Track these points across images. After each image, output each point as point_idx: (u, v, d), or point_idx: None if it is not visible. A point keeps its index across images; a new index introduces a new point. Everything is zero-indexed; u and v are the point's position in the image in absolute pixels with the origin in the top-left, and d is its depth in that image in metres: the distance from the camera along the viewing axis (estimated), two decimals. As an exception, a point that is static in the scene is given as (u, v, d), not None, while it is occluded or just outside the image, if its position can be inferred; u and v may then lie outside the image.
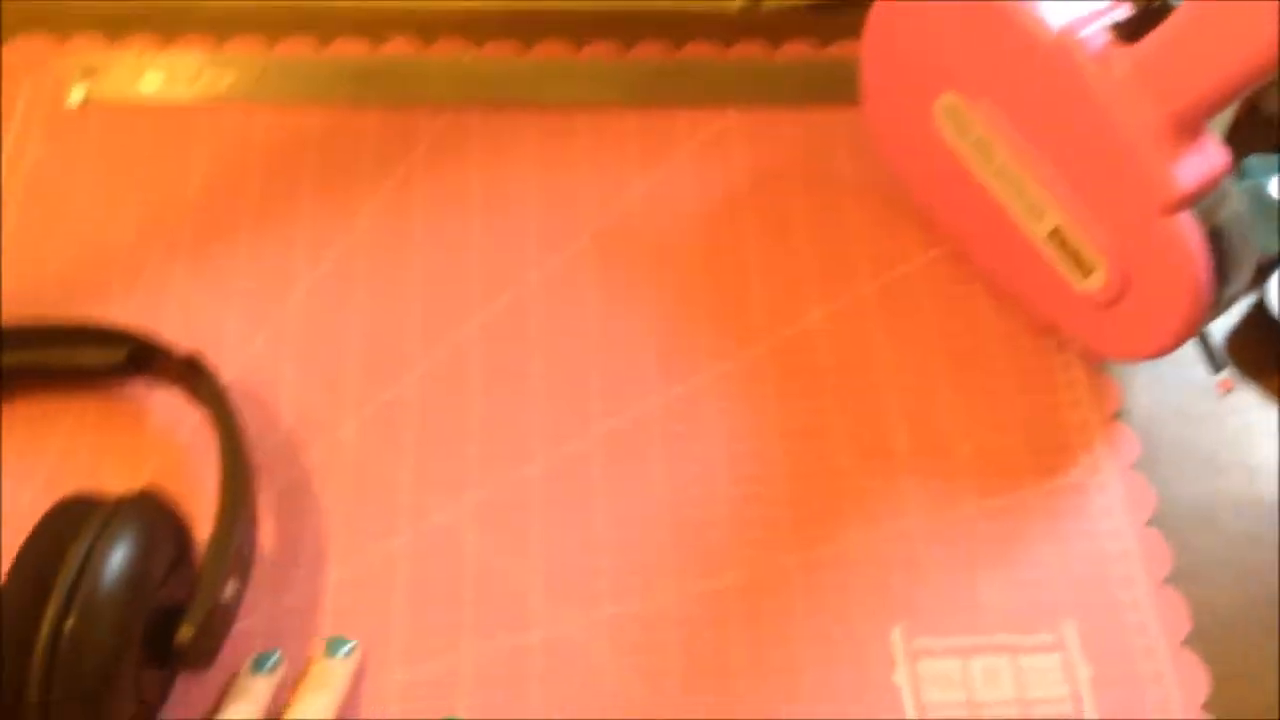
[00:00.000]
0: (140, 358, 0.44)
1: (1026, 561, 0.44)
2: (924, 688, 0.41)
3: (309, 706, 0.38)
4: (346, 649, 0.40)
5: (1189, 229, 0.41)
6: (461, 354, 0.47)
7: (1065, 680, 0.42)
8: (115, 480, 0.43)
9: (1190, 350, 0.49)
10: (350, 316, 0.48)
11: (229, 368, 0.46)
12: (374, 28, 0.56)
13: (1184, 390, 0.49)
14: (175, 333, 0.46)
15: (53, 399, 0.45)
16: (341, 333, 0.47)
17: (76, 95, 0.53)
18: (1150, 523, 0.45)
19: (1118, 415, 0.48)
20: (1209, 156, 0.40)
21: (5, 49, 0.54)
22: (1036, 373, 0.48)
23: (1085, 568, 0.44)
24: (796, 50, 0.57)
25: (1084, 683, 0.42)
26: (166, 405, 0.45)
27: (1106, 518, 0.45)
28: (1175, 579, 0.44)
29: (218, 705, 0.38)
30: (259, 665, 0.39)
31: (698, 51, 0.57)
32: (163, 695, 0.38)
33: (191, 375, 0.42)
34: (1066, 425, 0.47)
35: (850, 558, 0.44)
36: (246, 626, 0.41)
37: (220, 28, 0.55)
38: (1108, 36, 0.41)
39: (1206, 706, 0.41)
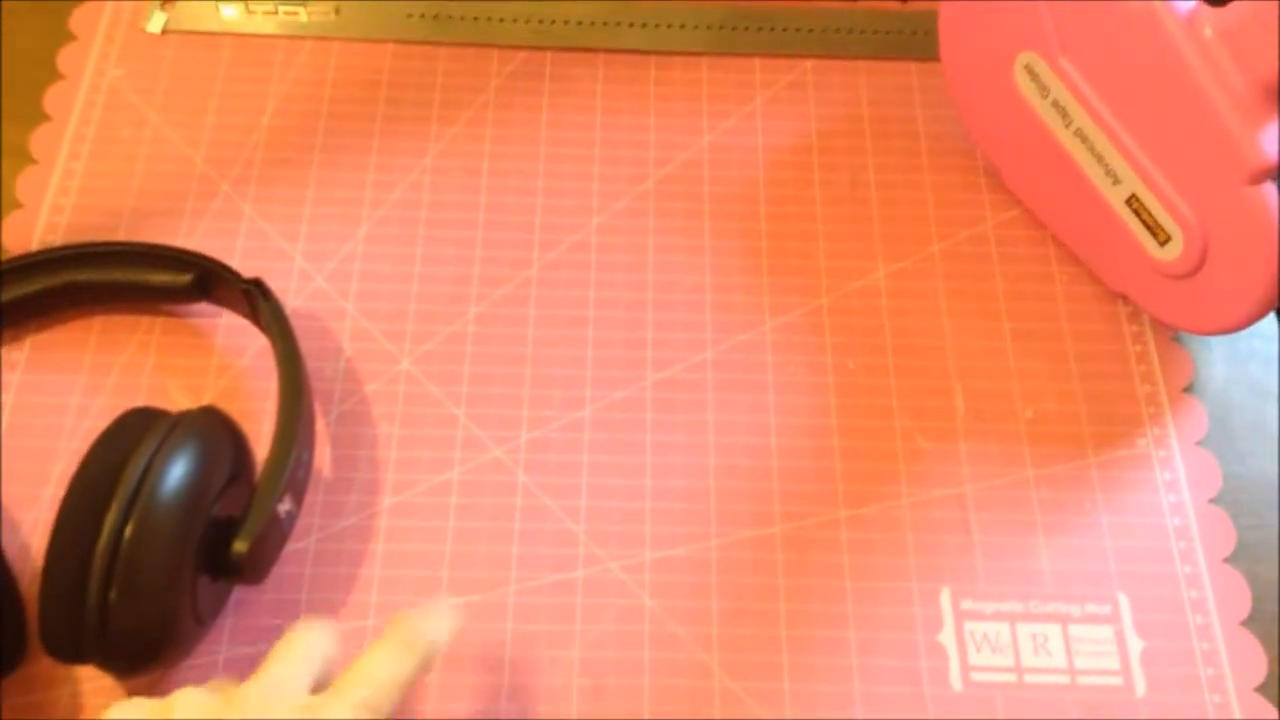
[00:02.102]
0: (207, 281, 0.44)
1: (1083, 531, 0.43)
2: (970, 650, 0.41)
3: (383, 660, 0.34)
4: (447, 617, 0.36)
5: (1273, 200, 0.39)
6: (521, 295, 0.47)
7: (1116, 653, 0.41)
8: (180, 397, 0.44)
9: (1267, 325, 0.47)
10: (413, 254, 0.48)
11: (294, 297, 0.47)
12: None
13: (1259, 366, 0.47)
14: (243, 260, 0.47)
15: (123, 316, 0.46)
16: (404, 269, 0.48)
17: (156, 23, 0.53)
18: (1214, 500, 0.44)
19: (1188, 389, 0.46)
20: (1297, 128, 0.39)
21: (90, -26, 0.55)
22: (1105, 342, 0.47)
23: (1144, 541, 0.43)
24: (876, 3, 0.56)
25: (1135, 656, 0.41)
26: (231, 329, 0.46)
27: (1169, 492, 0.44)
28: (1237, 559, 0.43)
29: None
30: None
31: (776, 1, 0.56)
32: (216, 607, 0.39)
33: (255, 301, 0.43)
34: (1133, 396, 0.46)
35: (901, 516, 0.43)
36: (300, 548, 0.41)
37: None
38: (1196, -1, 0.40)
39: (1261, 690, 0.40)
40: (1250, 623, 0.42)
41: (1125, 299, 0.48)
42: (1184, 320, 0.46)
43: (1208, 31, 0.39)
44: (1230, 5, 0.39)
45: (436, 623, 0.35)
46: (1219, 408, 0.46)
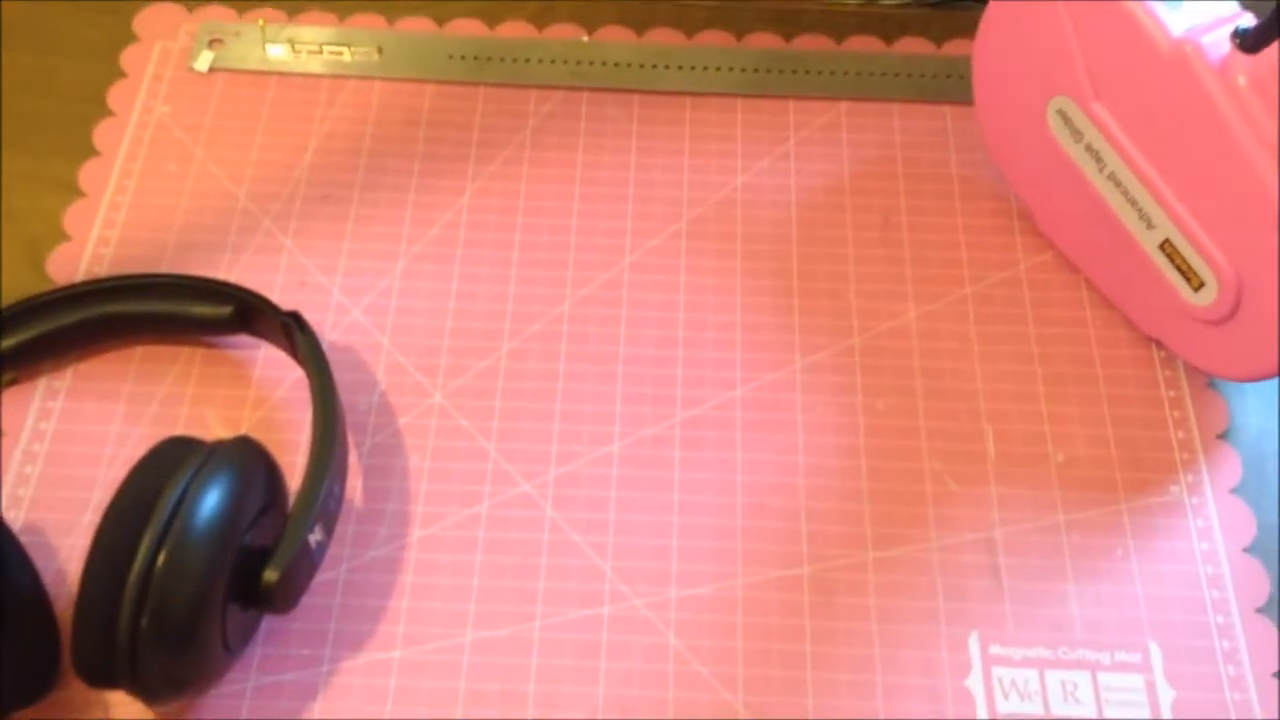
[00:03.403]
0: (246, 314, 0.45)
1: (1114, 577, 0.43)
2: (998, 696, 0.40)
3: None
4: None
5: (1308, 246, 0.39)
6: (553, 331, 0.48)
7: (1147, 702, 0.40)
8: (217, 427, 0.45)
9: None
10: (448, 289, 0.49)
11: (331, 330, 0.47)
12: (491, 10, 0.57)
13: (1295, 414, 0.47)
14: (282, 294, 0.48)
15: (164, 347, 0.47)
16: (438, 305, 0.48)
17: (203, 61, 0.55)
18: (1248, 549, 0.43)
19: (1222, 435, 0.46)
20: (1332, 174, 0.39)
21: (137, 17, 0.56)
22: (1139, 386, 0.47)
23: (1176, 589, 0.42)
24: (910, 46, 0.56)
25: (1166, 707, 0.40)
26: (269, 361, 0.46)
27: (1202, 540, 0.44)
28: (1270, 608, 0.42)
29: None
30: None
31: (810, 44, 0.56)
32: (246, 636, 0.39)
33: (292, 334, 0.44)
34: (1167, 442, 0.46)
35: (930, 560, 0.43)
36: (330, 578, 0.42)
37: (343, 4, 0.57)
38: (1229, 46, 0.40)
39: (1295, 742, 0.40)
40: (1284, 674, 0.41)
41: (1159, 344, 0.48)
42: (1218, 366, 0.45)
43: (1241, 79, 0.39)
44: (1263, 53, 0.39)
45: None
46: (1254, 455, 0.46)
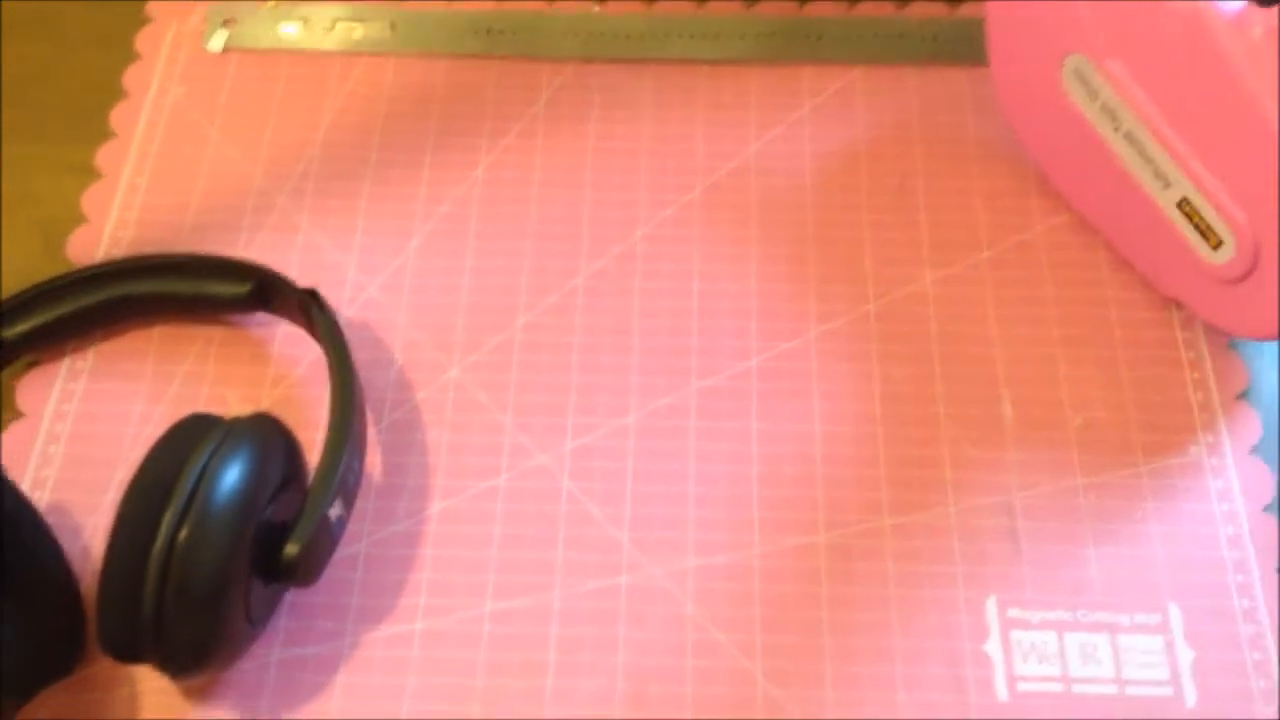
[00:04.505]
0: (264, 292, 0.45)
1: (1133, 539, 0.43)
2: (1016, 659, 0.40)
3: None
4: None
5: (1326, 201, 0.39)
6: (567, 304, 0.48)
7: (1166, 663, 0.40)
8: (237, 405, 0.45)
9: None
10: (463, 264, 0.49)
11: (347, 308, 0.48)
12: (502, -18, 0.57)
13: (1316, 373, 0.46)
14: (298, 272, 0.48)
15: (184, 326, 0.47)
16: (454, 280, 0.49)
17: (217, 42, 0.55)
18: (1268, 509, 0.43)
19: (1242, 395, 0.46)
20: (1350, 127, 0.39)
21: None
22: (1157, 348, 0.47)
23: (1195, 550, 0.42)
24: (924, 9, 0.56)
25: (1185, 668, 0.40)
26: (288, 339, 0.47)
27: (1221, 501, 0.43)
28: (1292, 568, 0.42)
29: None
30: None
31: (824, 9, 0.56)
32: (269, 610, 0.40)
33: (310, 311, 0.44)
34: (1186, 403, 0.45)
35: (947, 524, 0.43)
36: (351, 553, 0.42)
37: (355, -21, 0.57)
38: (1243, 0, 0.39)
39: (1318, 702, 0.40)
40: (1306, 634, 0.41)
41: (1178, 304, 0.47)
42: (1238, 325, 0.45)
43: (1257, 32, 0.39)
44: (1278, 6, 0.38)
45: None
46: (1274, 414, 0.45)
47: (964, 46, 0.54)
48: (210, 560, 0.35)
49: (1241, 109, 0.39)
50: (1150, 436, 0.45)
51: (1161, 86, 0.42)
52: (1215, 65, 0.40)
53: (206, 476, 0.35)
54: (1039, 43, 0.46)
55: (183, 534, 0.35)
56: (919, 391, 0.46)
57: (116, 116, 0.53)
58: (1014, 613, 0.41)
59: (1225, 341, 0.47)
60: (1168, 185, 0.44)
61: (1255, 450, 0.44)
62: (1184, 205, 0.44)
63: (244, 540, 0.36)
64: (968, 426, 0.45)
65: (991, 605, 0.41)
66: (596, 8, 0.56)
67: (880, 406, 0.45)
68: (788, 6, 0.56)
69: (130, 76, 0.54)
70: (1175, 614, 0.41)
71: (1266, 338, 0.44)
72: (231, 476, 0.36)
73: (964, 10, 0.56)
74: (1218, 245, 0.43)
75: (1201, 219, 0.43)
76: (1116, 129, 0.45)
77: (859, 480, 0.44)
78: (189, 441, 0.36)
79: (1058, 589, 0.42)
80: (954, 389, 0.46)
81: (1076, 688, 0.40)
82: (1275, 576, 0.42)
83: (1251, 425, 0.45)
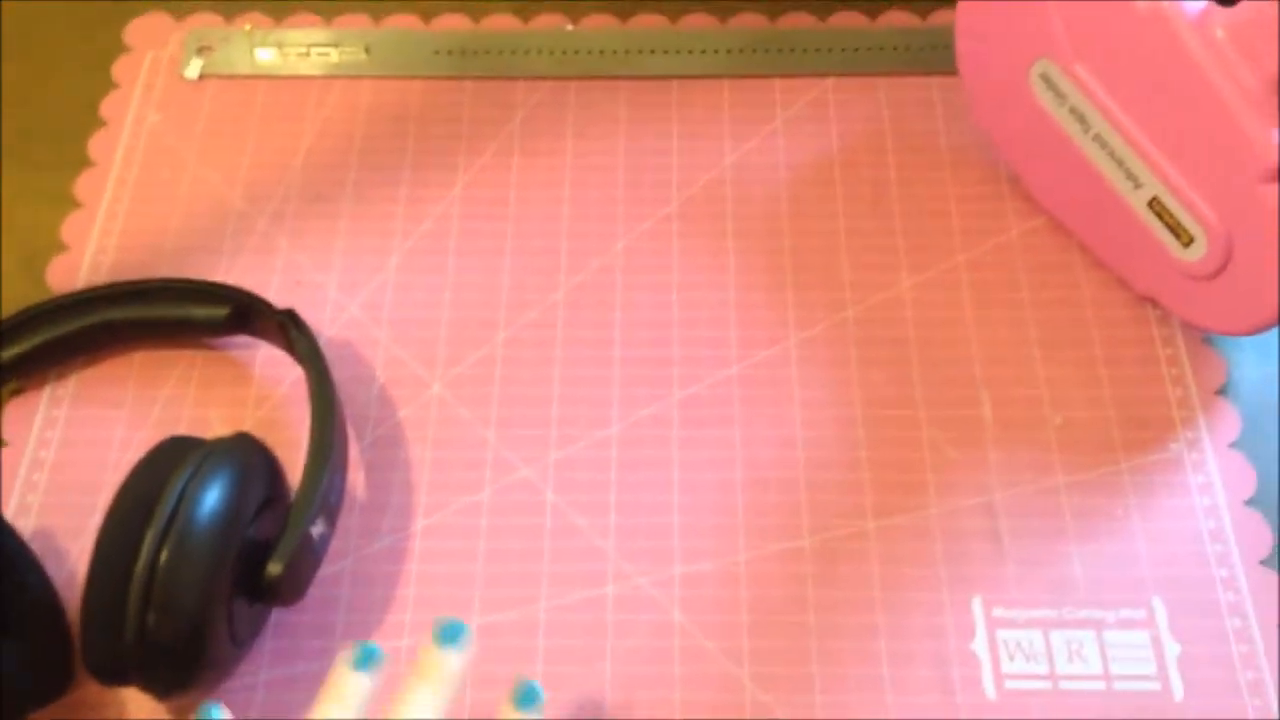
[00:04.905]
0: (243, 314, 0.46)
1: (1116, 535, 0.43)
2: (1003, 658, 0.41)
3: (417, 704, 0.34)
4: (460, 639, 0.35)
5: (1293, 197, 0.39)
6: (548, 318, 0.48)
7: (1153, 658, 0.40)
8: (219, 427, 0.45)
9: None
10: (443, 281, 0.49)
11: (329, 327, 0.48)
12: (475, 3, 0.57)
13: (1292, 366, 0.47)
14: (279, 293, 0.49)
15: (165, 350, 0.47)
16: (434, 297, 0.49)
17: (193, 69, 0.55)
18: (1249, 502, 0.43)
19: (1220, 391, 0.46)
20: (1315, 124, 0.39)
21: (128, 28, 0.57)
22: (1135, 346, 0.47)
23: (1178, 545, 0.43)
24: (895, 20, 0.56)
25: (1172, 661, 0.40)
26: (268, 360, 0.47)
27: (1203, 495, 0.44)
28: (1273, 561, 0.42)
29: (315, 700, 0.35)
30: (360, 662, 0.34)
31: (796, 21, 0.57)
32: (254, 630, 0.40)
33: (289, 331, 0.44)
34: (1165, 400, 0.46)
35: (930, 526, 0.43)
36: (337, 570, 0.42)
37: (330, 5, 0.57)
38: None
39: (1304, 692, 0.40)
40: (1290, 624, 0.41)
41: (1154, 302, 0.48)
42: (1213, 321, 0.45)
43: (1219, 32, 0.39)
44: (1240, 5, 0.39)
45: (457, 653, 0.35)
46: (1252, 409, 0.46)
47: (934, 55, 0.55)
48: (191, 581, 0.35)
49: (1207, 108, 0.40)
50: (1130, 433, 0.45)
51: (1128, 88, 0.43)
52: (1180, 65, 0.40)
53: (186, 497, 0.35)
54: (1007, 49, 0.47)
55: (163, 555, 0.35)
56: (899, 395, 0.46)
57: (95, 144, 0.53)
58: (999, 612, 0.41)
59: (1201, 338, 0.47)
60: (1138, 185, 0.44)
61: (1235, 445, 0.45)
62: (1155, 204, 0.44)
63: (226, 560, 0.36)
64: (948, 428, 0.45)
65: (977, 605, 0.41)
66: (570, 26, 0.57)
67: (861, 411, 0.46)
68: (759, 20, 0.57)
69: (108, 105, 0.55)
70: (1160, 608, 0.41)
71: (1241, 333, 0.44)
72: (211, 497, 0.36)
73: (933, 19, 0.56)
74: (1189, 243, 0.43)
75: (1172, 218, 0.44)
76: (1086, 131, 0.45)
77: (842, 484, 0.44)
78: (168, 464, 0.37)
79: (1042, 587, 0.42)
80: (933, 392, 0.46)
81: (1064, 684, 0.40)
82: (1258, 569, 0.42)
83: (1230, 420, 0.45)
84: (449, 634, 0.35)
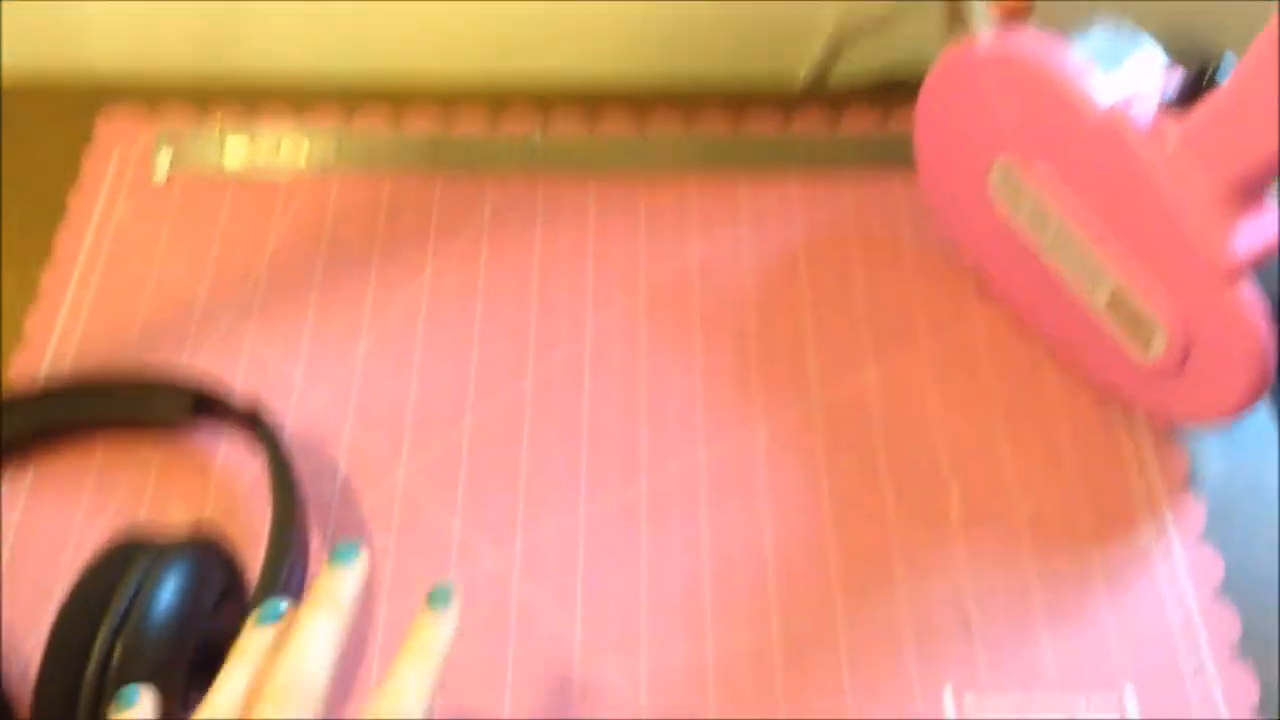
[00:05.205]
0: (205, 406, 0.45)
1: (1085, 625, 0.43)
2: (976, 752, 0.40)
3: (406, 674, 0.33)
4: (446, 601, 0.35)
5: (1249, 296, 0.40)
6: (514, 407, 0.48)
7: (1126, 750, 0.40)
8: (177, 520, 0.44)
9: (1264, 414, 0.48)
10: (409, 372, 0.49)
11: (292, 419, 0.47)
12: (446, 100, 0.58)
13: (1257, 454, 0.47)
14: (244, 384, 0.48)
15: (126, 442, 0.47)
16: (400, 387, 0.49)
17: (162, 164, 0.56)
18: (1218, 592, 0.43)
19: (1185, 482, 0.46)
20: (1267, 225, 0.40)
21: (98, 122, 0.57)
22: (1100, 436, 0.47)
23: (1148, 633, 0.42)
24: (858, 124, 0.58)
25: (1146, 753, 0.40)
26: (230, 453, 0.46)
27: (1171, 585, 0.44)
28: (1242, 650, 0.42)
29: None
30: (264, 616, 0.34)
31: (760, 124, 0.58)
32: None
33: (252, 424, 0.44)
34: (1131, 491, 0.46)
35: (899, 616, 0.43)
36: (295, 668, 0.41)
37: (301, 100, 0.58)
38: (1159, 106, 0.41)
39: (1276, 784, 0.39)
40: (1261, 711, 0.41)
41: (1117, 395, 0.48)
42: (1175, 414, 0.46)
43: (1172, 139, 0.40)
44: (1190, 114, 0.40)
45: (445, 624, 0.35)
46: (1218, 499, 0.46)
47: (897, 155, 0.56)
48: (145, 679, 0.34)
49: (1161, 213, 0.40)
50: (1097, 523, 0.45)
51: (1085, 192, 0.44)
52: (1135, 171, 0.41)
53: (140, 595, 0.35)
54: (966, 151, 0.48)
55: (116, 653, 0.34)
56: (866, 485, 0.46)
57: (61, 240, 0.53)
58: (970, 698, 0.41)
59: (1166, 429, 0.48)
60: (1097, 283, 0.45)
61: (1202, 536, 0.45)
62: (1114, 302, 0.45)
63: (181, 657, 0.35)
64: (916, 518, 0.45)
65: (948, 694, 0.41)
66: (539, 132, 0.58)
67: (829, 501, 0.46)
68: (723, 126, 0.58)
69: (76, 198, 0.55)
70: (1131, 698, 0.41)
71: (1203, 426, 0.45)
72: (166, 594, 0.35)
73: (895, 122, 0.58)
74: (1149, 339, 0.44)
75: (1131, 315, 0.44)
76: (1044, 230, 0.46)
77: (810, 573, 0.44)
78: (122, 560, 0.36)
79: (1013, 676, 0.41)
80: (901, 482, 0.46)
81: (1038, 777, 0.39)
82: (1228, 659, 0.42)
83: (1196, 511, 0.45)
84: (439, 597, 0.35)
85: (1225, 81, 0.39)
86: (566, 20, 0.59)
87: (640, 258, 0.53)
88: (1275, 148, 0.38)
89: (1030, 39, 0.43)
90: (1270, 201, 0.40)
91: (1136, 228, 0.43)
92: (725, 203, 0.55)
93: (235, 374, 0.49)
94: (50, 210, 0.54)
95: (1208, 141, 0.39)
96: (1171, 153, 0.40)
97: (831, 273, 0.52)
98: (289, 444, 0.44)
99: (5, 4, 0.57)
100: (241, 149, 0.56)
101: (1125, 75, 0.42)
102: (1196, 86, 0.41)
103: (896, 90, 0.57)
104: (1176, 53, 0.42)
